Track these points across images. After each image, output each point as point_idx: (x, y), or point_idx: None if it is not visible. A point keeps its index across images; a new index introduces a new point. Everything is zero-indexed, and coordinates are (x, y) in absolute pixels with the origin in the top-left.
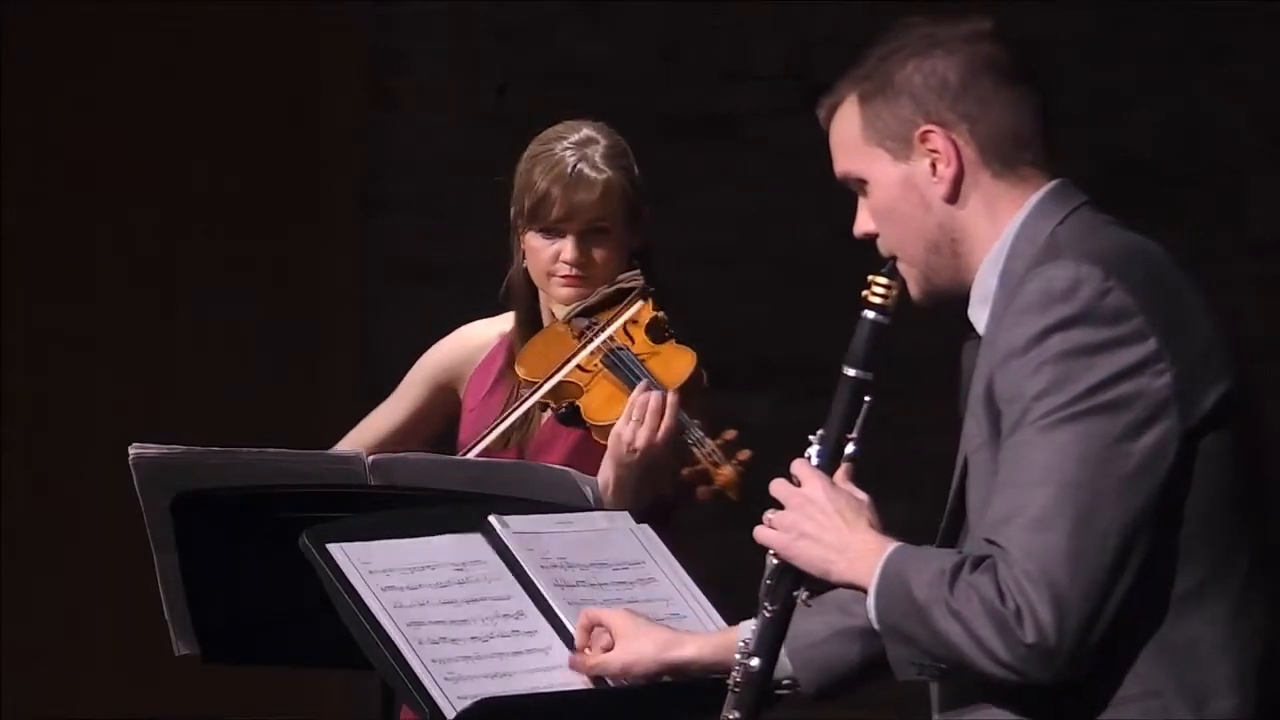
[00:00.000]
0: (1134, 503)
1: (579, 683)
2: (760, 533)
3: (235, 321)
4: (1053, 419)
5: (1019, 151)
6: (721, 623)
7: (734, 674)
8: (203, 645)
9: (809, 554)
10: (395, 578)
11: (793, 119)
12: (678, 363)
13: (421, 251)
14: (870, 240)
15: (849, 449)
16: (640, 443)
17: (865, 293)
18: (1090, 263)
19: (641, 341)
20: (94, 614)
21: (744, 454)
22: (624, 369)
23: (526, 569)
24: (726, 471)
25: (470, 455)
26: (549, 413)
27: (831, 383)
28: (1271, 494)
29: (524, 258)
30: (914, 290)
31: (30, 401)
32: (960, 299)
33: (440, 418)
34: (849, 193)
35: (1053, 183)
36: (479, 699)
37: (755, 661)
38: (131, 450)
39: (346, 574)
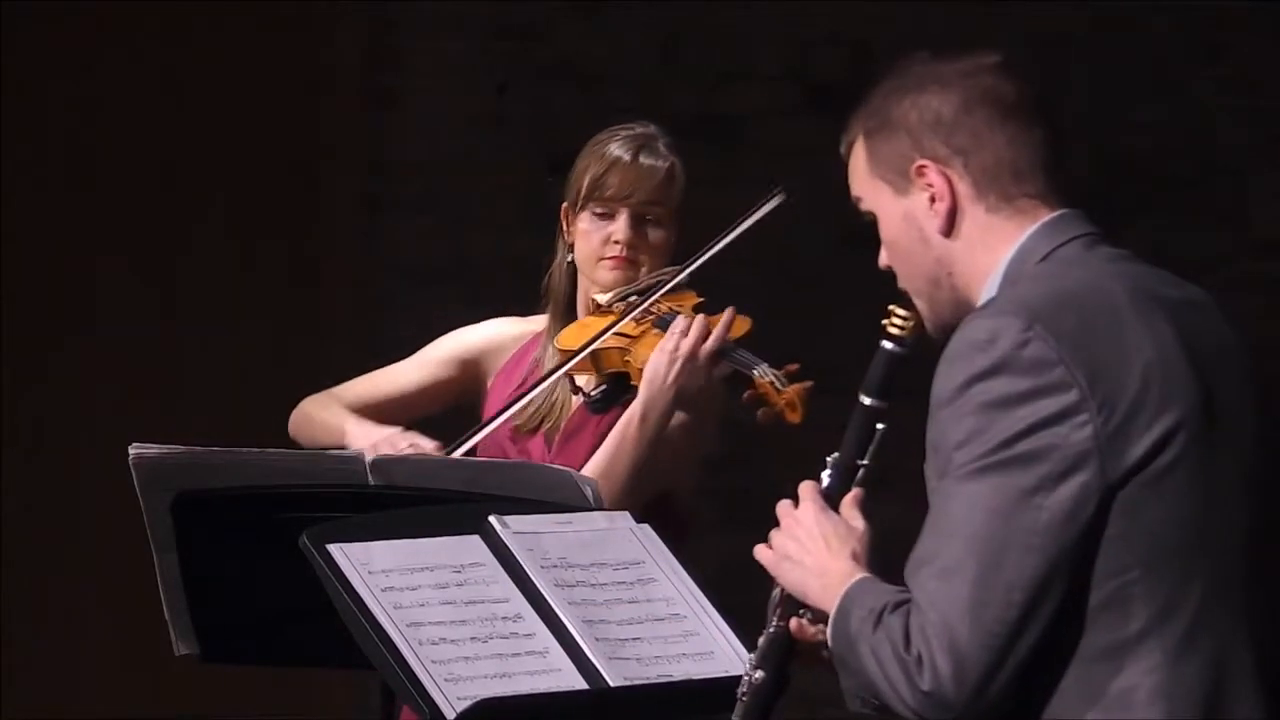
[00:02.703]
0: (1044, 557)
1: (578, 684)
2: (758, 550)
3: (235, 321)
4: (969, 469)
5: (1017, 185)
6: (722, 624)
7: (741, 684)
8: (203, 645)
9: (790, 576)
10: (395, 578)
11: (793, 119)
12: (735, 324)
13: (422, 251)
14: (891, 272)
15: (860, 474)
16: (685, 349)
17: (885, 322)
18: (1012, 313)
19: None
20: (94, 614)
21: (808, 383)
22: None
23: (526, 569)
24: (790, 392)
25: (499, 421)
26: (579, 399)
27: (830, 383)
28: (1260, 508)
29: (570, 251)
30: (926, 324)
31: (30, 401)
32: None
33: (453, 396)
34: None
35: (1051, 215)
36: (479, 699)
37: (759, 674)
38: (131, 450)
39: (346, 574)
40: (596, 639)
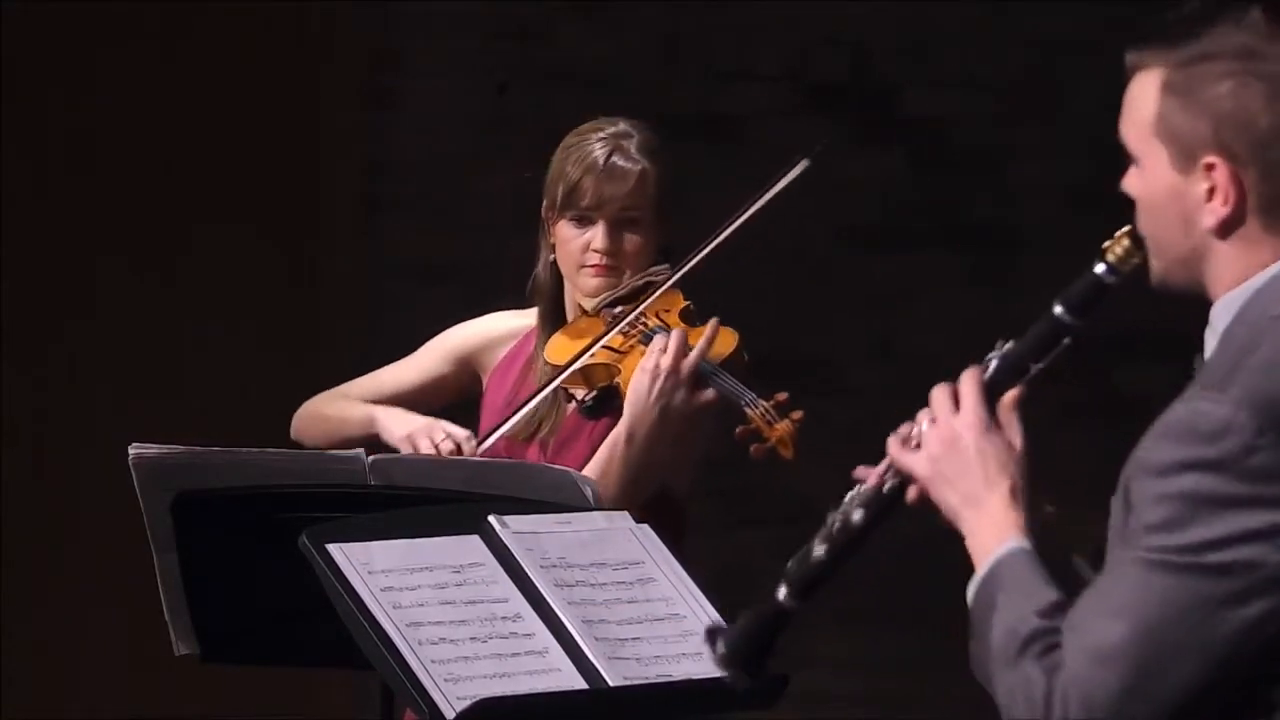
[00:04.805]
0: (1210, 669)
1: (577, 684)
2: (905, 458)
3: (235, 321)
4: (1159, 557)
5: None
6: (721, 623)
7: (833, 519)
8: (203, 645)
9: (943, 497)
10: (394, 578)
11: (793, 119)
12: (719, 339)
13: (421, 251)
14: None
15: (1028, 376)
16: (665, 365)
17: (1107, 244)
18: (1250, 409)
19: (676, 325)
20: (94, 614)
21: (797, 413)
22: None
23: (526, 569)
24: (781, 427)
25: (495, 436)
26: (573, 405)
27: (830, 383)
28: None
29: (551, 251)
30: (1151, 276)
31: (30, 401)
32: (1193, 297)
33: (453, 392)
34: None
35: None
36: (478, 699)
37: (859, 515)
38: (131, 450)
39: (346, 574)
40: (596, 639)
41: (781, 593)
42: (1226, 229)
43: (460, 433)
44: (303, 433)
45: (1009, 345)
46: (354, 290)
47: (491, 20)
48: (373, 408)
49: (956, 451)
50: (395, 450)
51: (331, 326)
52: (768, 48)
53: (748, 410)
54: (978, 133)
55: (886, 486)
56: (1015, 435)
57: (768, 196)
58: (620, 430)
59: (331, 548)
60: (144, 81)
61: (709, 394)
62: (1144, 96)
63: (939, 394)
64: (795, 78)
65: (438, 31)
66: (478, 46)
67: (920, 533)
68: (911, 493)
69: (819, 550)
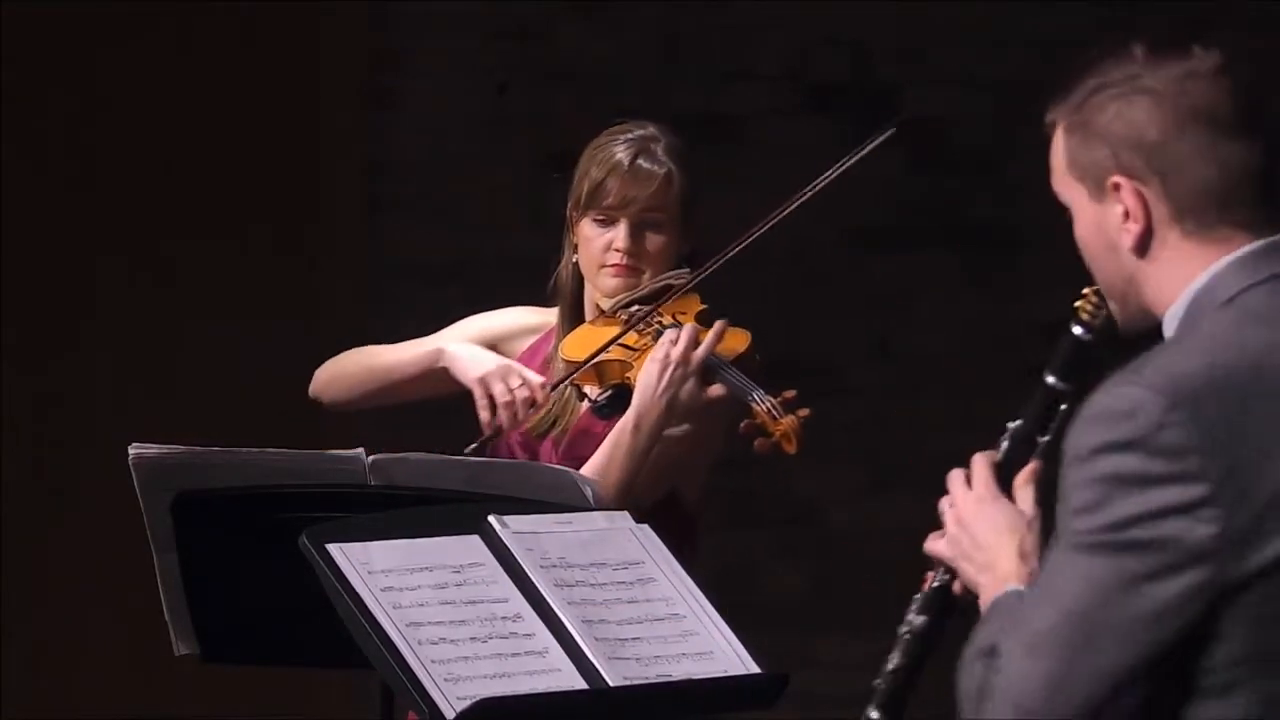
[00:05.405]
0: (1139, 648)
1: (577, 684)
2: (931, 544)
3: (235, 320)
4: (1082, 540)
5: (1219, 211)
6: (722, 624)
7: (903, 625)
8: (203, 645)
9: (964, 572)
10: (394, 578)
11: (793, 119)
12: (731, 338)
13: (421, 251)
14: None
15: (1039, 448)
16: (675, 356)
17: (1076, 304)
18: (1159, 390)
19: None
20: (94, 614)
21: (804, 411)
22: None
23: (526, 569)
24: (785, 422)
25: (565, 381)
26: (586, 404)
27: (830, 383)
28: None
29: (574, 251)
30: (1116, 320)
31: (30, 401)
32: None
33: None
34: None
35: (1248, 247)
36: (478, 699)
37: (921, 619)
38: (131, 450)
39: (346, 574)
40: (596, 639)
41: (873, 714)
42: (1144, 245)
43: (535, 379)
44: (326, 389)
45: (1017, 424)
46: (354, 290)
47: (491, 20)
48: (441, 341)
49: (968, 525)
50: (465, 389)
51: (331, 326)
52: (768, 48)
53: (753, 405)
54: (978, 133)
55: (936, 583)
56: (1028, 505)
57: (846, 165)
58: (627, 419)
59: (331, 548)
60: (144, 82)
61: (717, 389)
62: (1056, 149)
63: (954, 480)
64: (795, 78)
65: (438, 31)
66: (478, 46)
67: (920, 533)
68: (957, 584)
69: (896, 662)
